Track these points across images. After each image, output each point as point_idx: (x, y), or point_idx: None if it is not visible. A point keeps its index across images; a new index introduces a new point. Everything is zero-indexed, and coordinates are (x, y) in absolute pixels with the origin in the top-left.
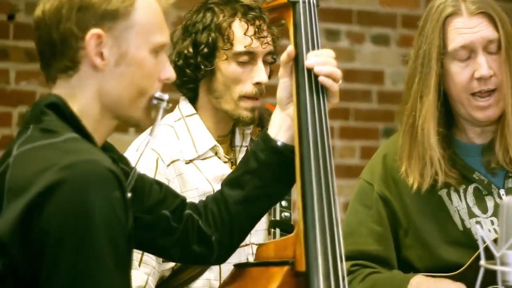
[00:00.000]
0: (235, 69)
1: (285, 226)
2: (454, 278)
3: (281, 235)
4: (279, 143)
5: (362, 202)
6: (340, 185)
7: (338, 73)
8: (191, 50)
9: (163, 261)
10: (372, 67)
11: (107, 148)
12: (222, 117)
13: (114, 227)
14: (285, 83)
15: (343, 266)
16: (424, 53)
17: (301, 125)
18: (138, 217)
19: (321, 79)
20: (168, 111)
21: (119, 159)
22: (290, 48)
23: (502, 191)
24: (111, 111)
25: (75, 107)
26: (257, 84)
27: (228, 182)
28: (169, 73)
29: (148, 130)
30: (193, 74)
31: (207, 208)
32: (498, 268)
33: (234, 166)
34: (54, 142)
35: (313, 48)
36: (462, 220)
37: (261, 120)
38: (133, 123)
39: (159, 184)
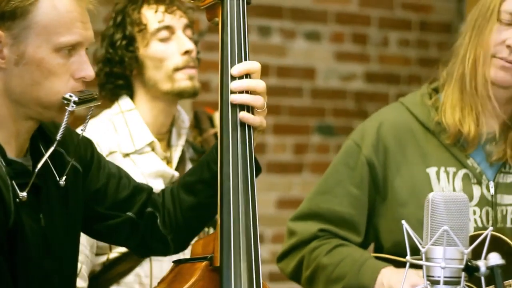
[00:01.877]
0: (158, 47)
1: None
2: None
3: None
4: None
5: (346, 162)
6: (273, 182)
7: (257, 102)
8: (110, 50)
9: (96, 255)
10: (304, 63)
11: (49, 137)
12: (160, 110)
13: None
14: None
15: (258, 263)
16: (487, 6)
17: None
18: (104, 215)
19: (241, 115)
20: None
21: (68, 151)
22: None
23: (491, 184)
24: (21, 109)
25: None
26: (185, 53)
27: (183, 186)
28: (85, 72)
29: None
30: (120, 71)
31: (164, 207)
32: (423, 263)
33: (170, 164)
34: None
35: (240, 49)
36: None
37: (198, 121)
38: (48, 120)
39: (128, 178)
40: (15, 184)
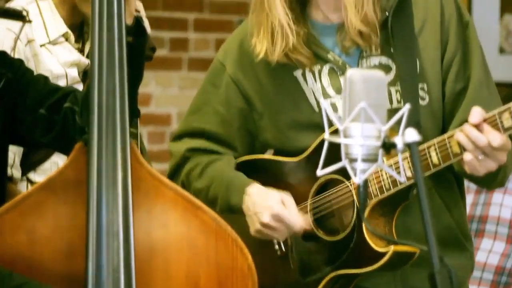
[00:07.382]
0: None
1: None
2: (301, 162)
3: None
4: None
5: (212, 81)
6: (195, 78)
7: None
8: None
9: None
10: None
11: None
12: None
13: None
14: None
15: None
16: None
17: None
18: (21, 119)
19: None
20: None
21: None
22: None
23: None
24: None
25: None
26: None
27: None
28: None
29: None
30: None
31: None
32: (341, 141)
33: (82, 53)
34: None
35: None
36: (318, 102)
37: None
38: None
39: (45, 77)
40: None
